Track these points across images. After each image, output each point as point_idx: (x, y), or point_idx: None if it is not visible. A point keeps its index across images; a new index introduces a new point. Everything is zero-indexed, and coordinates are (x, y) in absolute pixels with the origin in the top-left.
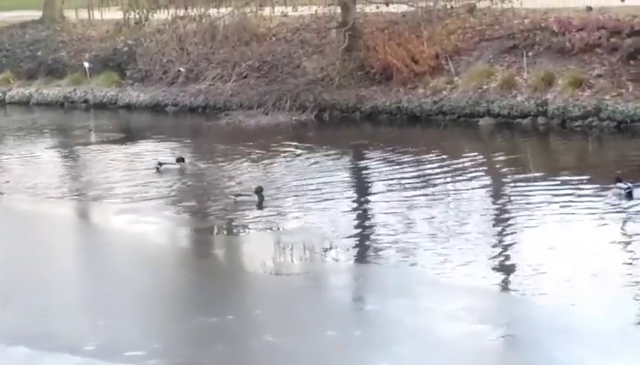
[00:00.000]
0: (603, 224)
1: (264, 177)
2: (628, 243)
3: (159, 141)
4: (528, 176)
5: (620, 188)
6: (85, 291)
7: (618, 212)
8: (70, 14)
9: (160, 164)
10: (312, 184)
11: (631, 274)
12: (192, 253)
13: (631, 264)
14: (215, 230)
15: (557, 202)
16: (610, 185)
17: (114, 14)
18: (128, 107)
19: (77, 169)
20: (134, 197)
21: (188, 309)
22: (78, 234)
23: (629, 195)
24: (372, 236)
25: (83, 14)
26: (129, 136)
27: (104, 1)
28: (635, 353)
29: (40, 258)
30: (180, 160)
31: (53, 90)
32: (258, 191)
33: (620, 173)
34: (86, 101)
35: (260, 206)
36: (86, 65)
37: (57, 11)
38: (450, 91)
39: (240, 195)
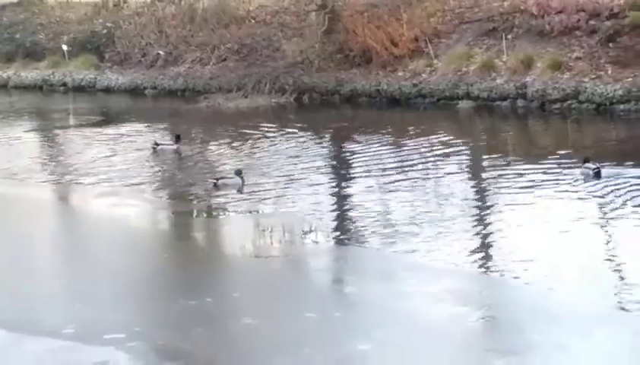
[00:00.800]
0: (582, 206)
1: (243, 160)
2: (606, 225)
3: (138, 124)
4: (507, 158)
5: (589, 168)
6: (64, 274)
7: (594, 194)
8: None
9: (157, 144)
10: (291, 167)
11: (610, 257)
12: (172, 236)
13: (610, 246)
14: (195, 213)
15: (536, 184)
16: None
17: None
18: (107, 90)
19: (57, 153)
20: (115, 180)
21: (167, 292)
22: (57, 217)
23: (597, 175)
24: (353, 219)
25: None
26: (108, 119)
27: None
28: (612, 336)
29: (19, 242)
30: (177, 138)
31: (31, 73)
32: (238, 173)
33: (589, 154)
34: (64, 84)
35: (241, 188)
36: (64, 47)
37: None
38: (429, 74)
39: (222, 177)
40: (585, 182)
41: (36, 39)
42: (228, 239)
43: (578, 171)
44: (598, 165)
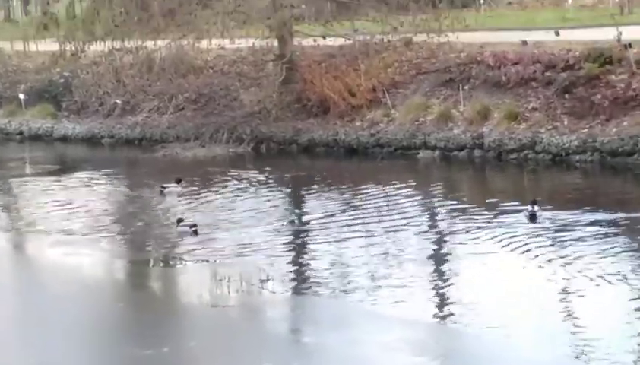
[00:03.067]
0: (534, 254)
1: (200, 209)
2: (556, 273)
3: (95, 173)
4: (462, 208)
5: (528, 211)
6: (17, 324)
7: (547, 241)
8: (5, 46)
9: (164, 187)
10: (248, 216)
11: (563, 307)
12: (128, 285)
13: (562, 296)
14: (151, 262)
15: (490, 235)
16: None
17: (50, 45)
18: (64, 139)
19: (12, 202)
20: (70, 229)
21: (123, 342)
22: (11, 266)
23: (533, 218)
24: (309, 269)
25: (19, 46)
26: (64, 168)
27: (40, 32)
28: None
29: None
30: (179, 181)
31: None
32: (179, 221)
33: (536, 197)
34: (21, 133)
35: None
36: (21, 96)
37: None
38: (387, 124)
39: (180, 225)
40: (532, 229)
41: None
42: (185, 288)
43: (522, 215)
44: (535, 209)
